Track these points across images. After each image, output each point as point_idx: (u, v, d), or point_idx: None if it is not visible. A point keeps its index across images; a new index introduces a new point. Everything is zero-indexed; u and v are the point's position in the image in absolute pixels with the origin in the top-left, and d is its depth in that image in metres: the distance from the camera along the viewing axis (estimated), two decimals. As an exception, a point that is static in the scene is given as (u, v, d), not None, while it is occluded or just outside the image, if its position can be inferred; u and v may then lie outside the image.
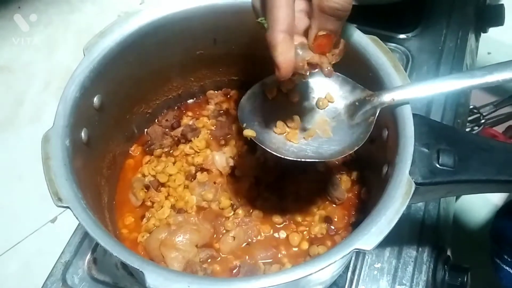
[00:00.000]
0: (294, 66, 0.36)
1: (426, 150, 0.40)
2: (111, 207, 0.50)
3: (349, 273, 0.50)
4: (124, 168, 0.54)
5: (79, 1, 1.30)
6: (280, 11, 0.35)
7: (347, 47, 0.39)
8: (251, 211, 0.50)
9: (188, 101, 0.59)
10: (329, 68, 0.38)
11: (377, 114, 0.41)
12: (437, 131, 0.41)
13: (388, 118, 0.42)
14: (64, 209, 0.36)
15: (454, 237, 0.61)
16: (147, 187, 0.52)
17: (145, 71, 0.50)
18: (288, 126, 0.44)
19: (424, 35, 0.71)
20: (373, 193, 0.48)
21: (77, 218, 0.36)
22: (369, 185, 0.50)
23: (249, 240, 0.48)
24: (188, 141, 0.55)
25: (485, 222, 0.94)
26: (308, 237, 0.49)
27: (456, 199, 0.82)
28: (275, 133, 0.44)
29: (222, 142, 0.55)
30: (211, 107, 0.58)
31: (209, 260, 0.47)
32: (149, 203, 0.51)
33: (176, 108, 0.58)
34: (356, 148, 0.41)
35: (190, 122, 0.57)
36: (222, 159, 0.53)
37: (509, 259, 0.52)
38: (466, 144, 0.41)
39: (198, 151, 0.54)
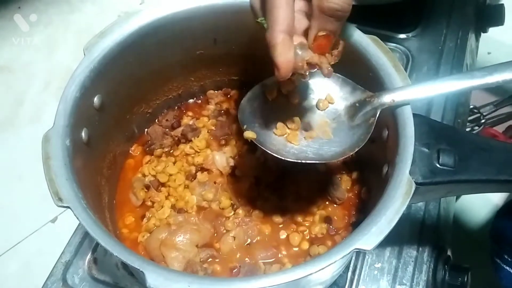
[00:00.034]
0: (294, 67, 0.36)
1: (426, 150, 0.40)
2: (112, 207, 0.50)
3: (349, 273, 0.50)
4: (124, 168, 0.54)
5: (79, 1, 1.30)
6: (280, 11, 0.35)
7: (346, 48, 0.39)
8: (251, 211, 0.50)
9: (188, 101, 0.59)
10: (328, 68, 0.38)
11: (377, 115, 0.41)
12: (437, 131, 0.41)
13: (388, 118, 0.42)
14: (65, 209, 0.36)
15: (455, 237, 0.61)
16: (147, 187, 0.52)
17: (145, 71, 0.50)
18: (288, 128, 0.44)
19: (424, 35, 0.71)
20: (373, 193, 0.48)
21: (77, 218, 0.36)
22: (369, 185, 0.50)
23: (249, 240, 0.48)
24: (188, 141, 0.55)
25: (485, 222, 0.94)
26: (308, 237, 0.49)
27: (456, 199, 0.82)
28: (276, 134, 0.44)
29: (223, 142, 0.55)
30: (211, 107, 0.58)
31: (209, 260, 0.47)
32: (149, 203, 0.51)
33: (176, 108, 0.58)
34: (356, 150, 0.41)
35: (191, 122, 0.57)
36: (222, 159, 0.53)
37: (509, 259, 0.52)
38: (466, 144, 0.41)
39: (199, 151, 0.54)
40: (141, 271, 0.33)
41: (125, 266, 0.51)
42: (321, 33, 0.36)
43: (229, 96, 0.59)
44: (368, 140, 0.42)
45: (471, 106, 0.81)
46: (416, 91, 0.41)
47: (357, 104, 0.43)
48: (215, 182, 0.52)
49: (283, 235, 0.49)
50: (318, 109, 0.45)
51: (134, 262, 0.34)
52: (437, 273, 0.51)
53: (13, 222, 0.96)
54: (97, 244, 0.52)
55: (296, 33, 0.37)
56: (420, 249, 0.52)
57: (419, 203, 0.55)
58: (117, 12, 1.25)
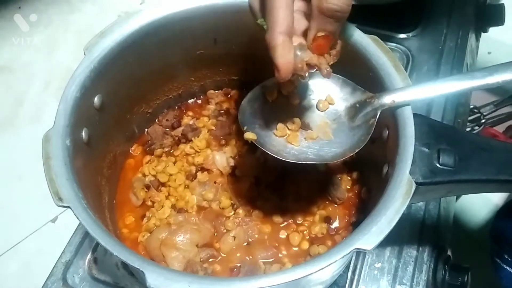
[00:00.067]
0: (294, 68, 0.36)
1: (427, 150, 0.40)
2: (112, 206, 0.50)
3: (350, 273, 0.50)
4: (124, 168, 0.54)
5: (79, 1, 1.30)
6: (279, 13, 0.35)
7: (345, 47, 0.39)
8: (251, 210, 0.50)
9: (188, 101, 0.59)
10: (327, 69, 0.38)
11: (377, 116, 0.41)
12: (437, 131, 0.41)
13: (388, 118, 0.42)
14: (65, 208, 0.36)
15: (455, 236, 0.61)
16: (147, 187, 0.52)
17: (145, 71, 0.50)
18: (288, 129, 0.44)
19: (424, 34, 0.71)
20: (373, 193, 0.48)
21: (77, 217, 0.36)
22: (369, 185, 0.50)
23: (250, 239, 0.48)
24: (188, 140, 0.55)
25: (486, 222, 0.94)
26: (308, 236, 0.49)
27: (457, 199, 0.82)
28: (276, 135, 0.44)
29: (223, 142, 0.55)
30: (211, 107, 0.58)
31: (209, 260, 0.47)
32: (149, 203, 0.51)
33: (176, 107, 0.58)
34: (357, 150, 0.42)
35: (191, 122, 0.57)
36: (222, 158, 0.53)
37: (509, 259, 0.52)
38: (466, 144, 0.41)
39: (199, 150, 0.54)
40: (141, 271, 0.33)
41: (125, 266, 0.51)
42: (320, 34, 0.36)
43: (229, 96, 0.59)
44: (368, 140, 0.42)
45: (471, 106, 0.81)
46: (417, 92, 0.41)
47: (357, 105, 0.43)
48: (215, 182, 0.52)
49: (283, 235, 0.49)
50: (318, 110, 0.45)
51: (134, 262, 0.34)
52: (437, 273, 0.51)
53: (13, 222, 0.96)
54: (97, 244, 0.52)
55: (295, 34, 0.37)
56: (420, 249, 0.52)
57: (419, 203, 0.55)
58: (117, 12, 1.25)
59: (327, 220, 0.49)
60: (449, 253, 0.54)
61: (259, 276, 0.34)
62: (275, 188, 0.51)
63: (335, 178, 0.51)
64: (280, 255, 0.48)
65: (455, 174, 0.39)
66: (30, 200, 0.93)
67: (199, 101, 0.59)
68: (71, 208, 0.36)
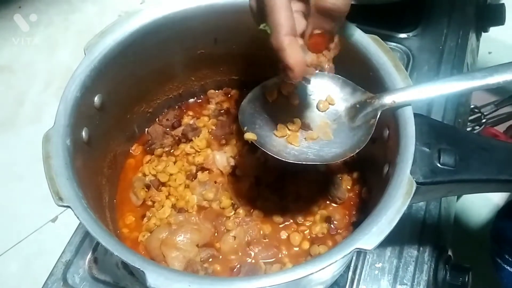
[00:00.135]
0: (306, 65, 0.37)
1: (427, 150, 0.40)
2: (112, 206, 0.50)
3: (350, 273, 0.50)
4: (125, 168, 0.54)
5: (79, 1, 1.30)
6: (281, 15, 0.35)
7: (346, 46, 0.39)
8: (252, 210, 0.50)
9: (188, 101, 0.59)
10: (329, 64, 0.39)
11: (378, 117, 0.41)
12: (438, 131, 0.41)
13: (389, 118, 0.42)
14: (65, 208, 0.36)
15: (455, 236, 0.61)
16: (147, 187, 0.52)
17: (145, 70, 0.50)
18: (289, 129, 0.44)
19: (424, 34, 0.71)
20: (374, 192, 0.48)
21: (78, 217, 0.36)
22: (370, 184, 0.50)
23: (250, 239, 0.48)
24: (188, 140, 0.55)
25: (486, 222, 0.94)
26: (309, 236, 0.49)
27: (457, 199, 0.82)
28: (276, 136, 0.44)
29: (223, 141, 0.55)
30: (211, 106, 0.58)
31: (210, 260, 0.47)
32: (149, 203, 0.51)
33: (176, 107, 0.58)
34: (357, 151, 0.42)
35: (191, 122, 0.57)
36: (222, 158, 0.53)
37: (510, 259, 0.52)
38: (467, 144, 0.41)
39: (199, 150, 0.54)
40: (142, 271, 0.33)
41: (125, 265, 0.51)
42: (316, 31, 0.36)
43: (229, 95, 0.59)
44: (369, 141, 0.42)
45: (472, 106, 0.81)
46: (417, 92, 0.41)
47: (357, 105, 0.43)
48: (215, 182, 0.52)
49: (283, 235, 0.49)
50: (319, 110, 0.45)
51: (134, 261, 0.34)
52: (438, 273, 0.51)
53: (13, 221, 0.96)
54: (98, 243, 0.52)
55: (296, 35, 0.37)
56: (421, 249, 0.52)
57: (420, 203, 0.55)
58: (117, 12, 1.25)
59: (328, 220, 0.49)
60: (450, 253, 0.54)
61: (260, 276, 0.34)
62: (275, 188, 0.51)
63: (336, 178, 0.51)
64: (280, 255, 0.48)
65: (455, 174, 0.39)
66: (30, 199, 0.93)
67: (200, 101, 0.59)
68: (71, 208, 0.36)
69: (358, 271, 0.50)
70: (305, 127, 0.45)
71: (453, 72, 0.67)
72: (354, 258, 0.51)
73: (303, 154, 0.43)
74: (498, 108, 0.85)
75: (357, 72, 0.44)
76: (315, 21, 0.36)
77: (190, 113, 0.58)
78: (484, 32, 0.80)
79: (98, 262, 0.52)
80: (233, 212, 0.50)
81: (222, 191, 0.51)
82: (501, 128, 0.86)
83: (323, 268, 0.33)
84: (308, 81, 0.44)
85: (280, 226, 0.49)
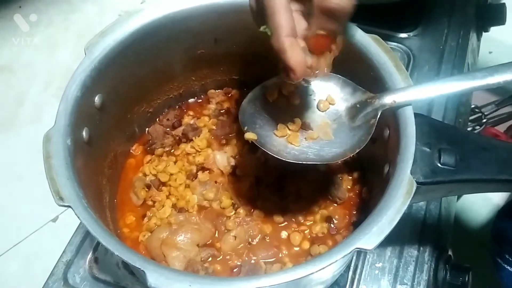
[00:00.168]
0: (306, 65, 0.36)
1: (428, 150, 0.40)
2: (112, 206, 0.50)
3: (350, 273, 0.50)
4: (125, 168, 0.54)
5: (79, 1, 1.30)
6: (281, 17, 0.35)
7: (346, 46, 0.39)
8: (252, 210, 0.50)
9: (189, 100, 0.59)
10: (327, 70, 0.38)
11: (378, 116, 0.41)
12: (438, 131, 0.41)
13: (389, 117, 0.42)
14: (66, 208, 0.36)
15: (456, 236, 0.61)
16: (148, 186, 0.52)
17: (146, 70, 0.50)
18: (289, 129, 0.44)
19: (425, 34, 0.71)
20: (374, 192, 0.48)
21: (78, 217, 0.36)
22: (370, 184, 0.50)
23: (250, 239, 0.48)
24: (189, 140, 0.55)
25: (486, 222, 0.94)
26: (309, 236, 0.49)
27: (458, 198, 0.82)
28: (276, 135, 0.44)
29: (223, 141, 0.55)
30: (212, 106, 0.58)
31: (210, 260, 0.47)
32: (150, 202, 0.51)
33: (177, 107, 0.58)
34: (357, 151, 0.42)
35: (191, 121, 0.57)
36: (223, 158, 0.53)
37: (510, 259, 0.52)
38: (467, 144, 0.41)
39: (199, 150, 0.54)
40: (142, 271, 0.33)
41: (126, 265, 0.51)
42: (320, 32, 0.36)
43: (230, 95, 0.59)
44: (369, 140, 0.42)
45: (473, 106, 0.81)
46: (417, 92, 0.41)
47: (358, 105, 0.43)
48: (216, 182, 0.52)
49: (284, 234, 0.49)
50: (319, 110, 0.45)
51: (135, 261, 0.34)
52: (438, 273, 0.51)
53: (14, 221, 0.97)
54: (98, 243, 0.52)
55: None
56: (421, 248, 0.52)
57: (420, 203, 0.55)
58: (117, 12, 1.25)
59: (328, 219, 0.49)
60: (450, 253, 0.54)
61: (260, 275, 0.34)
62: (275, 188, 0.51)
63: (336, 178, 0.51)
64: (281, 255, 0.48)
65: (456, 174, 0.39)
66: (31, 199, 0.93)
67: (200, 101, 0.59)
68: (72, 208, 0.36)
69: (358, 271, 0.50)
70: (306, 127, 0.45)
71: (453, 72, 0.67)
72: (354, 258, 0.51)
73: (303, 154, 0.43)
74: (498, 108, 0.85)
75: (358, 72, 0.44)
76: (318, 22, 0.35)
77: (191, 113, 0.58)
78: (484, 32, 0.80)
79: (99, 262, 0.52)
80: (233, 212, 0.50)
81: (222, 191, 0.51)
82: (501, 128, 0.86)
83: (323, 268, 0.33)
84: (308, 82, 0.44)
85: (281, 225, 0.49)
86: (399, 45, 0.69)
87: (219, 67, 0.56)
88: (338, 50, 0.39)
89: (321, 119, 0.45)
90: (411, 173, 0.37)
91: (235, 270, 0.47)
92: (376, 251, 0.52)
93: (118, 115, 0.50)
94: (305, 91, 0.45)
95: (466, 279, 0.50)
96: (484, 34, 0.81)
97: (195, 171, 0.53)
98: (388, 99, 0.41)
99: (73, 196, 0.36)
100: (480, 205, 0.95)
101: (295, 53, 0.35)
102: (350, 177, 0.52)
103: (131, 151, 0.55)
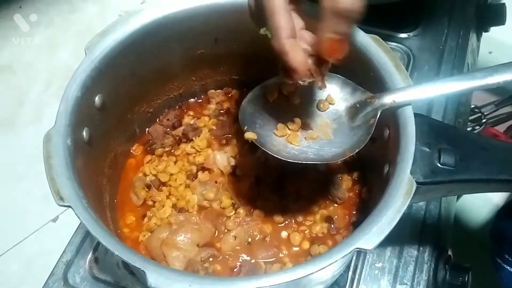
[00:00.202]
0: (308, 65, 0.36)
1: (427, 150, 0.40)
2: (113, 206, 0.50)
3: (350, 273, 0.50)
4: (125, 168, 0.54)
5: (80, 1, 1.30)
6: (280, 18, 0.35)
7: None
8: (252, 210, 0.50)
9: (189, 101, 0.59)
10: (321, 81, 0.39)
11: (378, 116, 0.41)
12: (438, 131, 0.41)
13: (389, 117, 0.42)
14: (66, 208, 0.36)
15: (455, 236, 0.61)
16: (148, 187, 0.52)
17: (146, 70, 0.50)
18: (289, 129, 0.44)
19: (425, 34, 0.71)
20: (374, 192, 0.48)
21: (78, 217, 0.36)
22: (370, 184, 0.50)
23: (250, 239, 0.48)
24: (189, 140, 0.55)
25: (486, 222, 0.94)
26: (309, 236, 0.49)
27: (457, 198, 0.82)
28: (276, 135, 0.44)
29: (223, 141, 0.55)
30: (212, 106, 0.58)
31: (210, 260, 0.47)
32: (150, 202, 0.51)
33: (177, 107, 0.58)
34: (357, 150, 0.42)
35: (191, 122, 0.57)
36: (223, 158, 0.53)
37: (510, 259, 0.52)
38: (467, 144, 0.41)
39: (199, 150, 0.54)
40: (142, 271, 0.33)
41: (126, 265, 0.51)
42: (335, 37, 0.34)
43: (230, 95, 0.59)
44: (369, 140, 0.42)
45: (472, 106, 0.81)
46: (417, 92, 0.41)
47: (357, 105, 0.43)
48: (216, 182, 0.52)
49: (284, 234, 0.49)
50: (319, 110, 0.45)
51: (135, 261, 0.34)
52: (437, 273, 0.51)
53: (14, 221, 0.96)
54: (98, 243, 0.52)
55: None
56: (421, 248, 0.52)
57: (420, 203, 0.55)
58: (118, 12, 1.25)
59: (328, 219, 0.49)
60: (449, 253, 0.54)
61: (260, 275, 0.34)
62: (275, 188, 0.51)
63: (336, 177, 0.51)
64: (281, 255, 0.48)
65: (455, 174, 0.39)
66: (31, 199, 0.93)
67: (200, 101, 0.59)
68: (72, 208, 0.36)
69: (358, 271, 0.50)
70: (305, 126, 0.45)
71: (453, 72, 0.67)
72: (354, 258, 0.51)
73: (303, 154, 0.43)
74: (498, 108, 0.85)
75: (358, 72, 0.44)
76: (330, 26, 0.34)
77: (191, 113, 0.58)
78: (484, 32, 0.80)
79: (99, 262, 0.52)
80: (233, 212, 0.50)
81: (222, 191, 0.51)
82: (501, 128, 0.86)
83: (323, 268, 0.33)
84: (307, 82, 0.44)
85: (280, 225, 0.49)
86: (399, 45, 0.69)
87: (219, 67, 0.56)
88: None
89: (320, 119, 0.45)
90: (411, 173, 0.37)
91: (235, 270, 0.47)
92: (376, 251, 0.52)
93: (118, 115, 0.50)
94: (305, 91, 0.45)
95: (466, 279, 0.50)
96: (484, 34, 0.81)
97: (195, 171, 0.53)
98: (388, 99, 0.41)
99: (73, 196, 0.36)
100: (480, 205, 0.95)
101: (296, 54, 0.35)
102: (350, 177, 0.52)
103: (131, 151, 0.55)
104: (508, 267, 0.52)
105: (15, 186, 0.99)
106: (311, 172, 0.51)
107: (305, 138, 0.44)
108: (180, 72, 0.55)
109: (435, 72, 0.67)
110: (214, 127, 0.56)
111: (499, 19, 0.76)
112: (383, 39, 0.44)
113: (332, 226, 0.49)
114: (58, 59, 1.18)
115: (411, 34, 0.71)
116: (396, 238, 0.52)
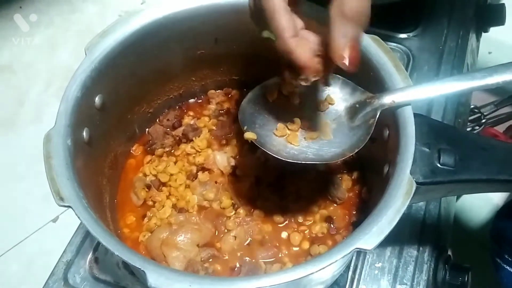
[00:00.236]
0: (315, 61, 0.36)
1: (427, 150, 0.40)
2: (113, 206, 0.50)
3: (350, 273, 0.50)
4: (125, 168, 0.54)
5: (80, 1, 1.30)
6: (282, 18, 0.35)
7: None
8: (252, 210, 0.50)
9: (189, 101, 0.59)
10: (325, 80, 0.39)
11: (377, 116, 0.41)
12: (438, 131, 0.41)
13: (389, 117, 0.42)
14: (66, 208, 0.36)
15: (455, 236, 0.61)
16: (148, 187, 0.52)
17: (146, 70, 0.50)
18: (288, 129, 0.44)
19: (425, 34, 0.71)
20: (374, 192, 0.48)
21: (78, 217, 0.36)
22: (370, 184, 0.50)
23: (250, 239, 0.48)
24: (189, 140, 0.55)
25: (486, 222, 0.94)
26: (309, 236, 0.49)
27: (457, 198, 0.82)
28: (276, 135, 0.44)
29: (223, 141, 0.55)
30: (212, 106, 0.58)
31: (210, 260, 0.47)
32: (150, 203, 0.51)
33: (177, 107, 0.58)
34: (356, 151, 0.42)
35: (191, 122, 0.57)
36: (223, 158, 0.53)
37: (509, 259, 0.52)
38: (467, 144, 0.41)
39: (199, 150, 0.54)
40: (142, 271, 0.33)
41: (126, 265, 0.51)
42: (350, 43, 0.33)
43: (230, 95, 0.59)
44: (368, 140, 0.42)
45: (472, 106, 0.81)
46: (416, 92, 0.41)
47: (357, 105, 0.43)
48: (216, 182, 0.52)
49: (283, 234, 0.49)
50: (318, 110, 0.45)
51: (135, 261, 0.34)
52: (437, 273, 0.51)
53: (14, 221, 0.96)
54: (98, 243, 0.52)
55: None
56: (421, 248, 0.52)
57: (420, 203, 0.55)
58: (118, 12, 1.25)
59: (328, 219, 0.50)
60: (449, 253, 0.54)
61: (260, 275, 0.34)
62: (275, 188, 0.51)
63: (336, 178, 0.51)
64: (280, 255, 0.48)
65: (455, 174, 0.39)
66: (31, 200, 0.93)
67: (200, 101, 0.59)
68: (72, 208, 0.36)
69: (358, 271, 0.51)
70: (305, 126, 0.45)
71: (453, 72, 0.67)
72: (354, 258, 0.51)
73: (302, 154, 0.43)
74: (498, 108, 0.85)
75: (357, 72, 0.44)
76: (340, 31, 0.33)
77: (191, 113, 0.58)
78: (484, 32, 0.80)
79: (99, 262, 0.52)
80: (233, 212, 0.50)
81: (222, 191, 0.51)
82: (500, 128, 0.86)
83: (323, 268, 0.33)
84: (310, 82, 0.44)
85: (280, 225, 0.50)
86: (399, 45, 0.69)
87: (219, 67, 0.56)
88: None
89: (320, 119, 0.45)
90: (411, 173, 0.37)
91: (235, 270, 0.47)
92: (376, 251, 0.52)
93: (118, 116, 0.50)
94: (305, 91, 0.45)
95: (466, 279, 0.50)
96: (483, 34, 0.81)
97: (195, 171, 0.53)
98: (388, 99, 0.41)
99: (73, 196, 0.36)
100: (480, 205, 0.95)
101: (303, 51, 0.35)
102: (350, 177, 0.52)
103: (131, 151, 0.55)
104: (508, 267, 0.52)
105: (15, 186, 0.99)
106: (311, 172, 0.51)
107: (304, 138, 0.44)
108: (180, 73, 0.55)
109: (434, 72, 0.67)
110: (214, 127, 0.56)
111: (499, 19, 0.77)
112: (382, 40, 0.44)
113: (332, 226, 0.49)
114: (58, 59, 1.18)
115: (410, 34, 0.71)
116: (396, 238, 0.52)
